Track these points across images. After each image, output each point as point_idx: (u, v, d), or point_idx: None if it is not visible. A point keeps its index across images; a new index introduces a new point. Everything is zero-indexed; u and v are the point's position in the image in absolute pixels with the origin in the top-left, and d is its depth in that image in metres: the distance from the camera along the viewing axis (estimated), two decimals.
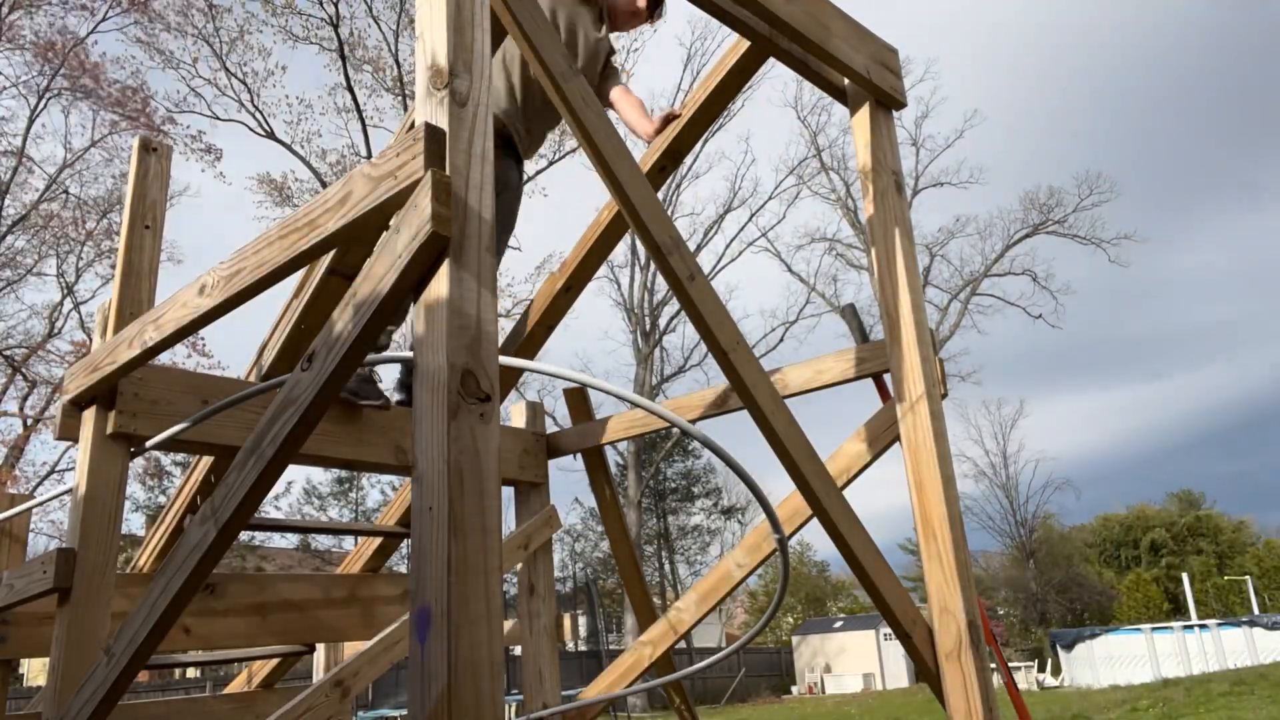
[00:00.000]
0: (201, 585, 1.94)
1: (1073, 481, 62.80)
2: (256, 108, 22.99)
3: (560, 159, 25.19)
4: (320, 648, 4.33)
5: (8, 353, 20.67)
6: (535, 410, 3.85)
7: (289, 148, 23.43)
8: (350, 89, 23.10)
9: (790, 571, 2.73)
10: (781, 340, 30.02)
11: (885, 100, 2.92)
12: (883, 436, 2.88)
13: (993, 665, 2.67)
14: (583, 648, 24.00)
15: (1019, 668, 25.04)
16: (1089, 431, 67.81)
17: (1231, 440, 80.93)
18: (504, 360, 2.28)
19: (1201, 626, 22.83)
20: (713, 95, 3.08)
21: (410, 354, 1.66)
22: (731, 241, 29.71)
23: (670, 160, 3.23)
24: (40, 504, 3.42)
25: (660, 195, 2.64)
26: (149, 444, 2.53)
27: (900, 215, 2.80)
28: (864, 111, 2.89)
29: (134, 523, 26.79)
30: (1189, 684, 14.28)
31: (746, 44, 2.88)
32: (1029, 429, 74.53)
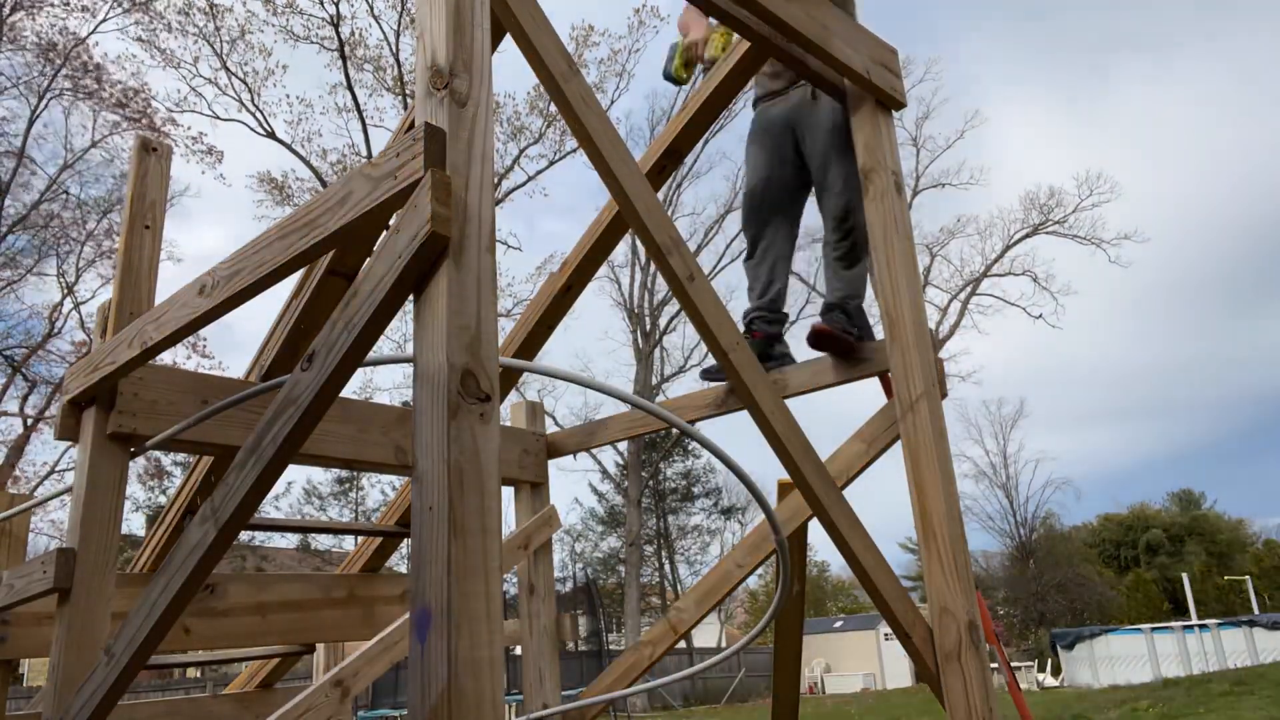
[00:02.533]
0: (201, 585, 1.94)
1: (1073, 481, 62.97)
2: (257, 107, 23.03)
3: (560, 159, 25.21)
4: (320, 648, 4.33)
5: (8, 353, 20.69)
6: (535, 410, 3.85)
7: (289, 147, 23.45)
8: (351, 88, 23.11)
9: (791, 572, 2.73)
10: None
11: (885, 100, 2.92)
12: (883, 436, 2.88)
13: (994, 665, 2.67)
14: (583, 648, 24.00)
15: (1019, 668, 25.03)
16: (1089, 431, 67.87)
17: (1233, 440, 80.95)
18: (504, 361, 2.28)
19: (1201, 626, 22.82)
20: (713, 95, 3.08)
21: (409, 356, 1.66)
22: (732, 241, 29.70)
23: (670, 160, 3.23)
24: (40, 504, 3.42)
25: (660, 195, 2.64)
26: (149, 444, 2.53)
27: (900, 215, 2.80)
28: (864, 111, 2.89)
29: (134, 523, 26.82)
30: (1189, 684, 14.28)
31: (746, 44, 2.88)
32: (1029, 429, 74.59)
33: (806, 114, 3.36)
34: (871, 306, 3.52)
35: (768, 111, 3.50)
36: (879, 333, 2.91)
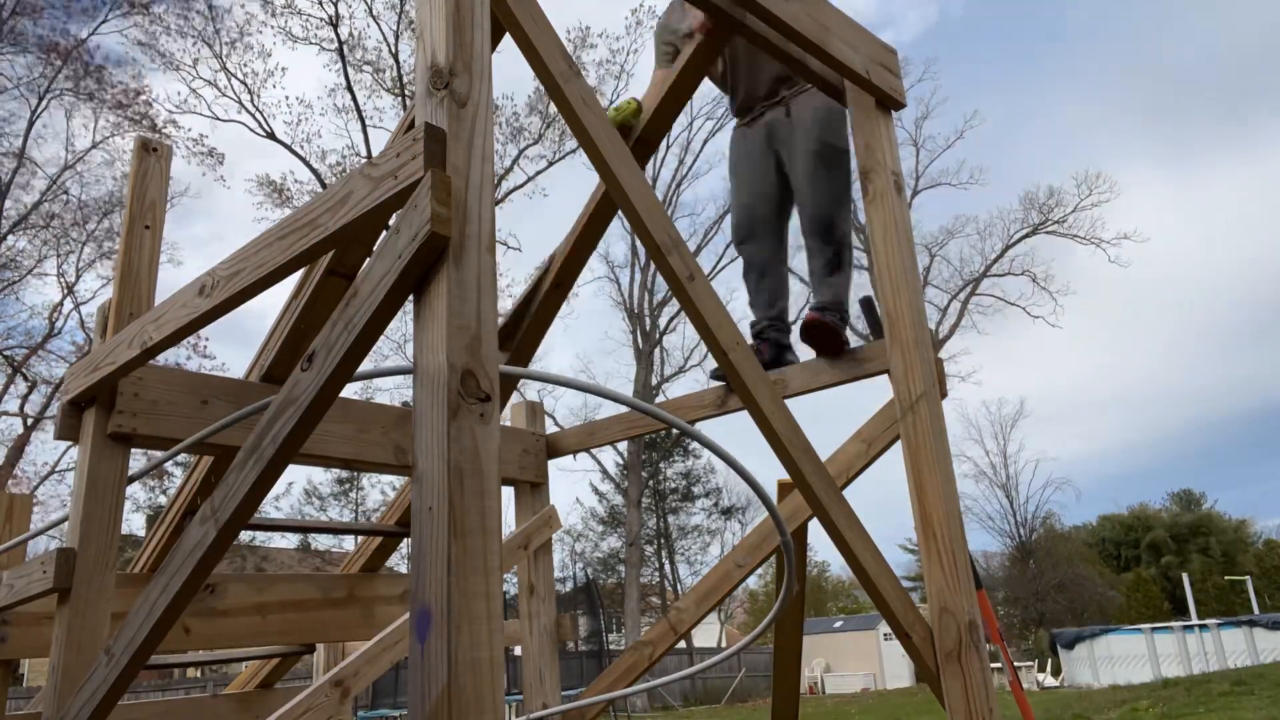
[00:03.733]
0: (201, 585, 1.94)
1: (1073, 481, 63.04)
2: (257, 108, 23.04)
3: (560, 159, 25.20)
4: (320, 648, 4.33)
5: (8, 353, 20.70)
6: (535, 410, 3.85)
7: (289, 148, 23.46)
8: (350, 89, 23.13)
9: (793, 572, 2.73)
10: None
11: (884, 100, 2.91)
12: (883, 436, 2.88)
13: (997, 665, 2.67)
14: (583, 648, 23.99)
15: (1019, 668, 25.03)
16: (1089, 432, 67.87)
17: (1233, 441, 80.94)
18: (505, 369, 2.28)
19: (1201, 626, 22.81)
20: (674, 86, 3.05)
21: (409, 366, 1.66)
22: (731, 241, 29.64)
23: (642, 149, 3.18)
24: (35, 536, 3.40)
25: (660, 194, 2.64)
26: (147, 468, 2.51)
27: (900, 216, 2.80)
28: (863, 112, 2.89)
29: (134, 523, 26.83)
30: (1189, 684, 14.26)
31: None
32: (1029, 429, 74.59)
33: (784, 132, 3.44)
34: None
35: (745, 134, 3.58)
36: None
